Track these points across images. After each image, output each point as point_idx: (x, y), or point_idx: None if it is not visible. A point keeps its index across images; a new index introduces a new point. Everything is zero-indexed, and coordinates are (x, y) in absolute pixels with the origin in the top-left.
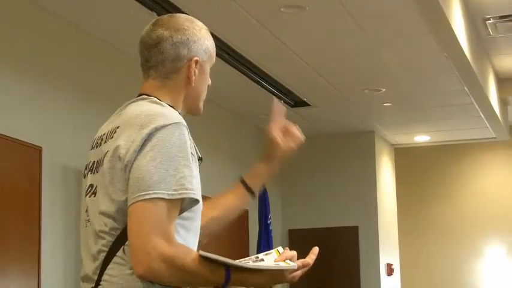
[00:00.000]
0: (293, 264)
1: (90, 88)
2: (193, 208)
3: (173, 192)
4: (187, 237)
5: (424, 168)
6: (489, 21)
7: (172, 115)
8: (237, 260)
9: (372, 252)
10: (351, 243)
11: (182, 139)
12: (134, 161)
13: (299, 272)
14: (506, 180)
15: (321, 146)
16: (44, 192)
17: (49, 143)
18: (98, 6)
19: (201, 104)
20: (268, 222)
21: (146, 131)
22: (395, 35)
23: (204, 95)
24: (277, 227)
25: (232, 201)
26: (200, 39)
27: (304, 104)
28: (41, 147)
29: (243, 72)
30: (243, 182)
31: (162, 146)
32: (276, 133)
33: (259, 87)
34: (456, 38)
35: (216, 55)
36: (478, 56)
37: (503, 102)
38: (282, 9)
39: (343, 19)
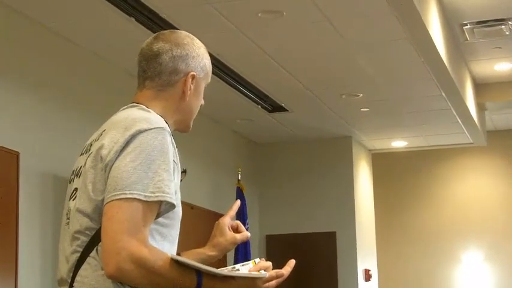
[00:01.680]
0: (264, 273)
1: (67, 94)
2: (170, 215)
3: (150, 194)
4: (163, 244)
5: (402, 174)
6: (466, 27)
7: (157, 120)
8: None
9: (350, 258)
10: (329, 248)
11: (164, 144)
12: (115, 161)
13: (273, 283)
14: (483, 186)
15: (298, 152)
16: (21, 197)
17: (26, 148)
18: (76, 12)
19: (191, 123)
20: (246, 227)
21: (129, 132)
22: (373, 40)
23: (195, 112)
24: (255, 233)
25: None
26: (199, 55)
27: (281, 109)
28: (18, 152)
29: (220, 77)
30: None
31: (144, 149)
32: (225, 221)
33: (237, 92)
34: (433, 43)
35: None
36: (455, 62)
37: (480, 108)
38: (259, 15)
39: (320, 24)
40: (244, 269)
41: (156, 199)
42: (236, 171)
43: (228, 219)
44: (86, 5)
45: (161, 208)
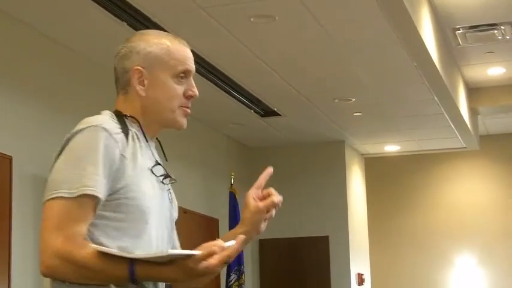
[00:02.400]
0: (193, 252)
1: (61, 98)
2: (124, 209)
3: (74, 191)
4: (123, 240)
5: (394, 178)
6: (459, 31)
7: (94, 120)
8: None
9: (343, 262)
10: (322, 253)
11: (96, 140)
12: (52, 166)
13: (213, 261)
14: (476, 190)
15: (291, 156)
16: (14, 201)
17: (19, 152)
18: (69, 17)
19: (175, 116)
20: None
21: (67, 137)
22: (365, 44)
23: (169, 104)
24: None
25: None
26: (145, 48)
27: (274, 113)
28: (11, 156)
29: (213, 82)
30: None
31: (74, 148)
32: (253, 194)
33: (229, 96)
34: (426, 48)
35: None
36: (447, 66)
37: (473, 112)
38: (252, 19)
39: (313, 29)
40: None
41: (77, 194)
42: (229, 175)
43: (253, 191)
44: (78, 9)
45: (96, 202)
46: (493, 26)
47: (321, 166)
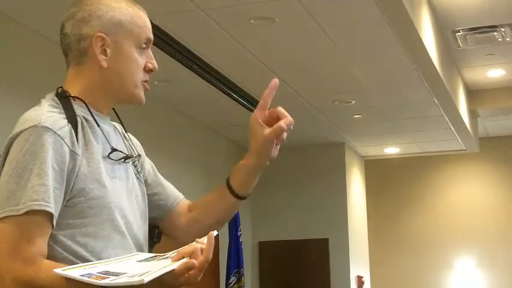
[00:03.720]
0: (171, 267)
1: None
2: (88, 212)
3: (21, 207)
4: (95, 245)
5: (394, 180)
6: (459, 33)
7: (33, 118)
8: (145, 256)
9: (343, 265)
10: (322, 255)
11: (38, 144)
12: None
13: (193, 272)
14: (476, 192)
15: (291, 158)
16: None
17: None
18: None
19: (136, 91)
20: (239, 234)
21: (6, 144)
22: (365, 46)
23: (132, 78)
24: (248, 239)
25: (216, 203)
26: (107, 13)
27: None
28: None
29: (213, 84)
30: (228, 185)
31: (15, 157)
32: (258, 117)
33: (229, 98)
34: (426, 50)
35: (186, 66)
36: (447, 68)
37: (472, 114)
38: (252, 21)
39: (312, 31)
40: (168, 260)
41: (25, 210)
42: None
43: (258, 113)
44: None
45: (48, 216)
46: (493, 28)
47: (321, 168)
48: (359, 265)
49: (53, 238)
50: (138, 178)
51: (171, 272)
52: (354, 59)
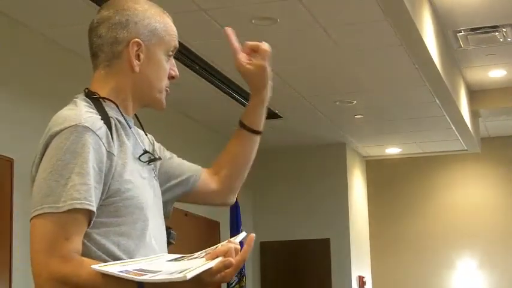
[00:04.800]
0: (209, 265)
1: (61, 99)
2: (123, 211)
3: (62, 205)
4: (128, 244)
5: (396, 180)
6: (460, 34)
7: (73, 117)
8: (173, 257)
9: (344, 265)
10: (323, 255)
11: (79, 143)
12: (35, 175)
13: (229, 271)
14: (477, 193)
15: (292, 158)
16: (15, 203)
17: (20, 155)
18: (72, 20)
19: (161, 96)
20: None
21: (43, 141)
22: (367, 47)
23: (159, 84)
24: None
25: (237, 149)
26: (144, 19)
27: (275, 115)
28: (12, 158)
29: (214, 84)
30: (242, 125)
31: (54, 155)
32: (242, 61)
33: (230, 98)
34: (427, 50)
35: (187, 67)
36: (449, 68)
37: (474, 115)
38: (253, 21)
39: (314, 31)
40: (200, 260)
41: (66, 208)
42: None
43: (237, 58)
44: (79, 11)
45: (91, 214)
46: (495, 28)
47: (322, 168)
48: (360, 265)
49: (87, 236)
50: (156, 180)
51: (209, 270)
52: (355, 59)
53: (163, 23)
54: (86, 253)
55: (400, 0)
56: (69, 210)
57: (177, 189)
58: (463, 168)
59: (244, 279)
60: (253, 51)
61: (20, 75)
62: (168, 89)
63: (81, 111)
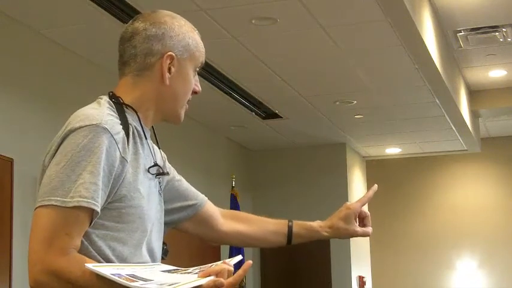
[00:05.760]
0: (200, 282)
1: (61, 99)
2: (125, 218)
3: (69, 200)
4: (123, 250)
5: (396, 181)
6: (460, 34)
7: (94, 116)
8: (167, 268)
9: (344, 265)
10: (323, 255)
11: (95, 143)
12: (48, 166)
13: None
14: (477, 193)
15: (292, 158)
16: (15, 203)
17: (20, 155)
18: (72, 20)
19: (181, 112)
20: None
21: (62, 134)
22: (367, 47)
23: (184, 99)
24: None
25: (268, 229)
26: (179, 35)
27: (275, 116)
28: (12, 158)
29: (214, 84)
30: (290, 226)
31: (69, 150)
32: (355, 211)
33: (230, 99)
34: (427, 50)
35: None
36: (449, 69)
37: (474, 115)
38: (253, 21)
39: (314, 31)
40: (192, 276)
41: (72, 204)
42: (230, 178)
43: (358, 206)
44: (79, 11)
45: (94, 213)
46: (495, 28)
47: (322, 168)
48: (360, 265)
49: (85, 235)
50: (160, 194)
51: (199, 287)
52: (355, 60)
53: (195, 40)
54: (81, 250)
55: (400, 0)
56: (75, 207)
57: (179, 212)
58: (463, 168)
59: (244, 279)
60: (361, 217)
61: (20, 75)
62: (187, 105)
63: (103, 113)
